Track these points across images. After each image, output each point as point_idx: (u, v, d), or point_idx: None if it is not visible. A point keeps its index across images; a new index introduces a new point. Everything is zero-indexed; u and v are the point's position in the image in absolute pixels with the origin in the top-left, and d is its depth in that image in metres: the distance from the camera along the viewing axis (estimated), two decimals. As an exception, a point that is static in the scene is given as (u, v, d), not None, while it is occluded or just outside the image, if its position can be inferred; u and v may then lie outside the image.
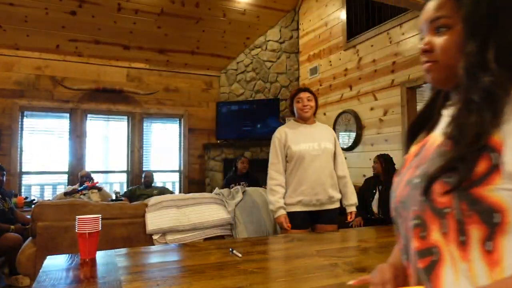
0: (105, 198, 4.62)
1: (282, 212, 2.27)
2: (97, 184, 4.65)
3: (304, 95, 2.38)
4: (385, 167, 3.53)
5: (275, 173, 2.36)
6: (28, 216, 3.46)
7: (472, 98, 0.59)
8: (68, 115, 5.64)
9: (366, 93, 4.75)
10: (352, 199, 2.44)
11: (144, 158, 6.13)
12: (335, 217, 2.40)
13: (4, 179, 3.59)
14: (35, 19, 5.01)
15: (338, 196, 2.40)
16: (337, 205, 2.41)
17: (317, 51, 5.79)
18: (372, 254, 1.40)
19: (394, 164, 3.62)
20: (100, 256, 1.35)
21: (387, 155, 3.65)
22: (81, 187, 4.46)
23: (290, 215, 2.30)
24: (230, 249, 1.44)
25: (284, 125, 2.47)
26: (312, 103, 2.40)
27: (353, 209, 2.42)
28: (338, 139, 5.11)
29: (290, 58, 6.27)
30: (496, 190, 0.54)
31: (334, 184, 2.38)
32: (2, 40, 5.16)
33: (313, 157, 2.31)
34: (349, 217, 2.42)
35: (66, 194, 4.34)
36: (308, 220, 2.35)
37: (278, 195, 2.30)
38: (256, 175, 5.17)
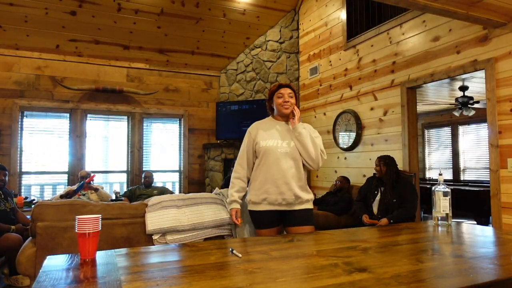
0: (104, 198, 4.62)
1: (234, 205, 2.28)
2: (93, 180, 4.64)
3: (286, 91, 2.28)
4: (388, 170, 3.45)
5: (237, 166, 2.35)
6: (28, 217, 3.46)
7: None
8: (68, 115, 5.64)
9: (366, 93, 4.75)
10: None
11: (144, 158, 6.13)
12: (310, 218, 2.30)
13: (7, 179, 3.58)
14: (35, 19, 5.01)
15: (308, 197, 2.29)
16: (308, 205, 2.29)
17: (317, 51, 5.79)
18: (372, 254, 1.40)
19: (397, 165, 3.56)
20: (100, 256, 1.35)
21: (389, 156, 3.56)
22: (78, 187, 4.46)
23: (257, 214, 2.27)
24: (230, 249, 1.44)
25: (260, 120, 2.41)
26: (293, 100, 2.29)
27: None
28: (338, 138, 5.13)
29: (290, 58, 6.27)
30: None
31: (302, 185, 2.27)
32: (2, 40, 5.17)
33: (280, 155, 2.22)
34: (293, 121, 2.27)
35: (62, 197, 4.33)
36: (276, 219, 2.28)
37: (235, 188, 2.30)
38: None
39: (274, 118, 2.37)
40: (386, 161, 3.46)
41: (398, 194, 3.31)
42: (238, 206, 2.29)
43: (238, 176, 2.32)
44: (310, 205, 2.31)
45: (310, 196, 2.32)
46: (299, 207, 2.27)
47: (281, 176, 2.21)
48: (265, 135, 2.29)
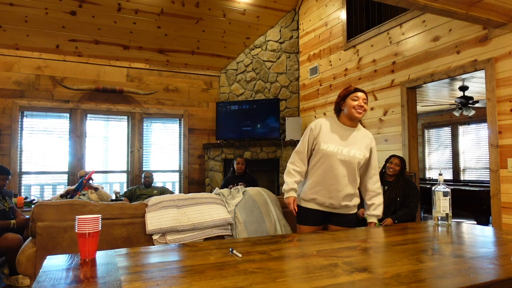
0: (104, 198, 4.61)
1: (292, 194, 2.25)
2: (92, 179, 4.62)
3: (362, 95, 2.22)
4: (401, 171, 3.50)
5: (298, 161, 2.29)
6: (28, 217, 3.46)
7: None
8: (68, 115, 5.64)
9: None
10: (377, 211, 2.30)
11: (144, 158, 6.13)
12: (351, 222, 2.31)
13: (7, 182, 3.57)
14: (35, 19, 5.01)
15: (355, 203, 2.30)
16: (353, 210, 2.32)
17: (317, 51, 5.79)
18: (372, 254, 1.40)
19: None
20: (100, 256, 1.35)
21: (403, 157, 3.62)
22: (78, 185, 4.46)
23: (303, 209, 2.30)
24: (230, 249, 1.43)
25: (324, 117, 2.35)
26: (366, 107, 2.24)
27: (374, 220, 2.31)
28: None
29: (290, 58, 6.27)
30: None
31: (352, 194, 2.26)
32: (2, 40, 5.17)
33: (338, 162, 2.20)
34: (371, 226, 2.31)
35: (62, 196, 4.33)
36: (320, 219, 2.31)
37: (294, 178, 2.27)
38: (254, 175, 5.17)
39: (339, 120, 2.31)
40: (404, 163, 3.51)
41: (402, 193, 3.35)
42: (295, 195, 2.27)
43: (298, 170, 2.28)
44: (354, 210, 2.34)
45: (357, 201, 2.32)
46: (345, 211, 2.30)
47: (335, 183, 2.22)
48: (327, 137, 2.24)
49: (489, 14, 3.02)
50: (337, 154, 2.20)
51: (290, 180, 2.26)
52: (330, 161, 2.21)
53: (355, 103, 2.21)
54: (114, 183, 6.03)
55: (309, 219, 2.30)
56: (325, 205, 2.27)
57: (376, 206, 2.32)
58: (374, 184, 2.33)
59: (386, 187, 3.47)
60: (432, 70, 3.84)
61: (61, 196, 4.35)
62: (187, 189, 6.29)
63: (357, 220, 2.35)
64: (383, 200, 3.42)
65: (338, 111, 2.32)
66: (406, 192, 3.36)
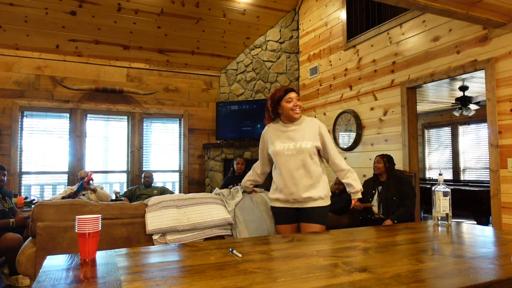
0: (104, 199, 4.62)
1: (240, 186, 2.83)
2: (92, 180, 4.62)
3: (294, 95, 2.32)
4: (388, 167, 3.51)
5: (257, 162, 2.68)
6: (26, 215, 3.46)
7: None
8: (68, 115, 5.64)
9: (366, 93, 4.75)
10: (355, 187, 2.38)
11: (144, 158, 6.13)
12: (321, 217, 2.33)
13: (5, 179, 3.59)
14: (35, 19, 5.01)
15: (320, 194, 2.32)
16: (320, 203, 2.33)
17: (317, 51, 5.79)
18: (372, 254, 1.40)
19: (395, 164, 3.61)
20: (100, 256, 1.35)
21: (389, 155, 3.64)
22: (78, 188, 4.47)
23: (274, 209, 2.49)
24: (230, 249, 1.43)
25: (272, 123, 2.46)
26: (300, 103, 2.37)
27: (358, 195, 2.39)
28: (338, 138, 5.13)
29: (290, 58, 6.27)
30: None
31: (313, 183, 2.31)
32: (2, 40, 5.16)
33: (287, 157, 2.32)
34: (353, 202, 2.42)
35: (64, 198, 4.34)
36: (294, 216, 2.38)
37: (247, 176, 2.77)
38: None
39: (282, 121, 2.43)
40: (385, 159, 3.54)
41: (398, 192, 3.36)
42: (240, 186, 2.85)
43: (253, 167, 2.70)
44: (321, 203, 2.34)
45: (323, 192, 2.34)
46: (312, 204, 2.33)
47: (289, 177, 2.32)
48: (273, 138, 2.41)
49: (489, 14, 3.02)
50: (285, 151, 2.33)
51: (244, 178, 2.79)
52: (281, 158, 2.35)
53: (290, 104, 2.31)
54: (114, 183, 6.03)
55: (280, 218, 2.44)
56: (289, 202, 2.36)
57: (351, 181, 2.39)
58: (340, 164, 2.40)
59: (381, 188, 3.47)
60: (432, 70, 3.84)
61: (63, 198, 4.36)
62: (187, 189, 6.29)
63: (327, 214, 2.38)
64: (381, 200, 3.44)
65: (275, 114, 2.42)
66: (401, 190, 3.37)
